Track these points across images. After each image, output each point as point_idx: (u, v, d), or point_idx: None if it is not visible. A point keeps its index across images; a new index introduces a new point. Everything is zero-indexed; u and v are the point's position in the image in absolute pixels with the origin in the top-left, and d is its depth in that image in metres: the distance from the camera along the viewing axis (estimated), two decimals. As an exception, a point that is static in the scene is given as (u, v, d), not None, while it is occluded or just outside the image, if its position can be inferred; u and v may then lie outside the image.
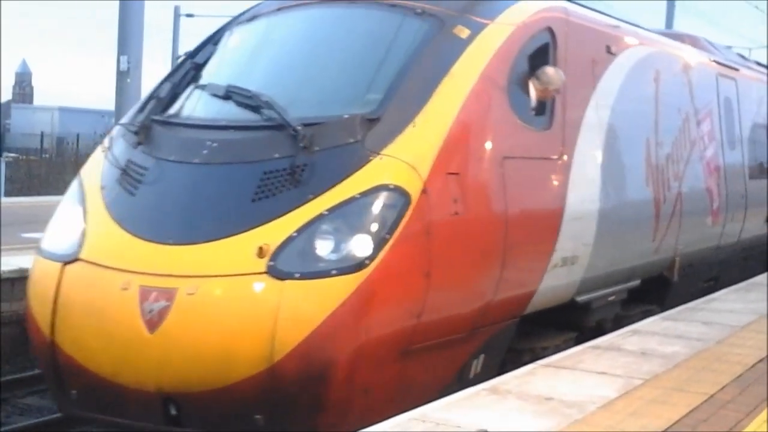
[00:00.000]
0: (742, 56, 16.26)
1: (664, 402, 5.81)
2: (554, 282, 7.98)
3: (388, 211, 6.23)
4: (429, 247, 6.34)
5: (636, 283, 9.90)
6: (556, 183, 8.02)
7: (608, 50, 9.30)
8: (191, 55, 8.19)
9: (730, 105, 13.16)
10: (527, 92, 7.75)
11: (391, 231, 6.15)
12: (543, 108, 8.00)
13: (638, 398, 5.88)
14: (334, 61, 7.57)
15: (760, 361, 7.11)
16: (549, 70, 7.68)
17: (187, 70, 8.00)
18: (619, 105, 9.30)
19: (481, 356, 7.26)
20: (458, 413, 5.44)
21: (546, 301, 8.07)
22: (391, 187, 6.31)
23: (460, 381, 6.96)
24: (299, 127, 6.50)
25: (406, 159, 6.45)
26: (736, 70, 13.93)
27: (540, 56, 7.94)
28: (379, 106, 6.78)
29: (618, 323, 9.32)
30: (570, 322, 8.79)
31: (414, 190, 6.33)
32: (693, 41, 13.10)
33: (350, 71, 7.41)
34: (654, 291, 10.64)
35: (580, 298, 8.65)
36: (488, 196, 7.05)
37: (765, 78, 16.11)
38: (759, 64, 17.03)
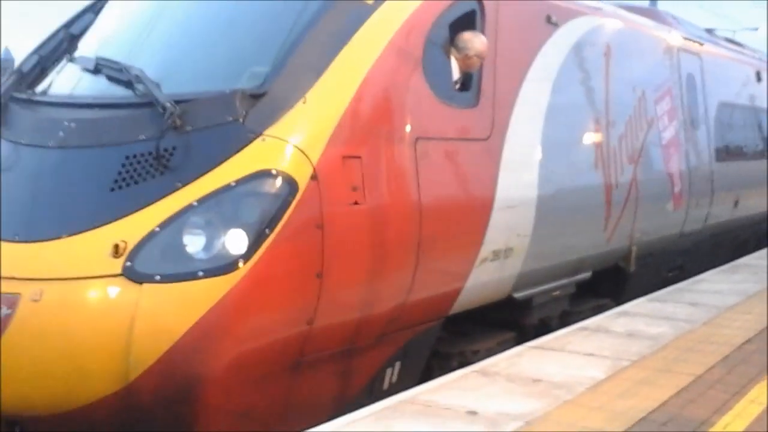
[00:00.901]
0: (710, 32, 15.44)
1: (652, 383, 5.84)
2: (485, 278, 7.11)
3: (269, 202, 5.32)
4: (321, 243, 5.44)
5: (586, 275, 9.05)
6: (483, 167, 7.04)
7: (549, 20, 8.28)
8: (67, 24, 7.13)
9: (694, 82, 12.14)
10: (448, 65, 6.85)
11: (272, 225, 5.25)
12: (468, 83, 7.03)
13: (626, 379, 5.91)
14: (218, 30, 6.65)
15: (747, 341, 7.15)
16: (466, 35, 6.76)
17: (60, 41, 6.95)
18: (562, 80, 8.34)
19: (397, 364, 6.56)
20: (447, 395, 5.47)
21: (476, 300, 7.26)
22: (274, 173, 5.38)
23: (372, 393, 6.27)
24: (168, 104, 5.52)
25: (293, 140, 5.51)
26: (701, 45, 12.85)
27: (464, 24, 6.94)
28: (266, 79, 5.79)
29: (565, 320, 8.56)
30: (510, 321, 8.04)
31: (302, 176, 5.43)
32: (654, 15, 12.25)
33: (235, 41, 6.50)
34: (610, 283, 9.91)
35: (519, 295, 7.78)
36: (396, 182, 6.10)
37: (736, 56, 15.21)
38: (730, 41, 16.16)
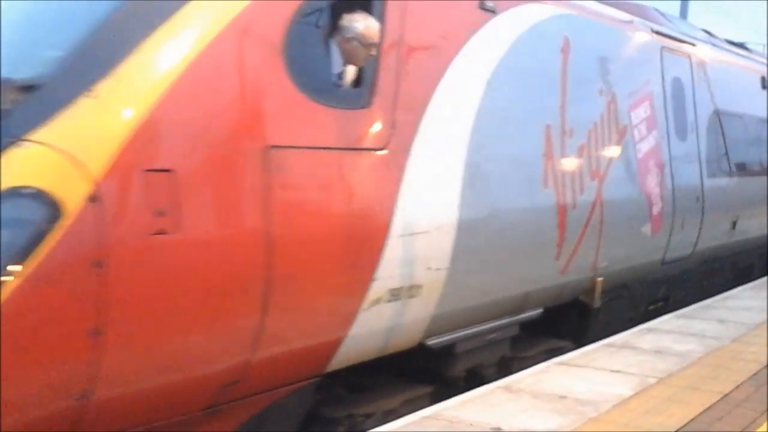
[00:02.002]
0: (709, 33, 13.44)
1: (678, 400, 5.80)
2: (379, 324, 5.76)
3: (18, 232, 3.97)
4: (100, 288, 4.11)
5: (533, 313, 7.68)
6: (374, 184, 5.62)
7: (483, 6, 6.86)
8: None
9: (681, 87, 10.54)
10: (327, 55, 5.63)
11: (20, 262, 3.91)
12: (359, 78, 5.75)
13: (653, 397, 5.87)
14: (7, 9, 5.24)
15: (776, 359, 7.08)
16: (349, 17, 5.61)
17: None
18: (500, 78, 6.90)
19: None
20: (472, 411, 5.45)
21: (368, 351, 5.94)
22: (27, 192, 4.03)
23: None
24: None
25: (64, 146, 4.14)
26: (693, 45, 11.24)
27: (355, 4, 5.73)
28: (46, 66, 4.50)
29: (506, 367, 7.35)
30: (430, 371, 6.79)
31: (72, 196, 4.07)
32: (637, 9, 10.34)
33: (19, 18, 5.21)
34: (571, 321, 8.66)
35: (433, 342, 6.46)
36: (230, 205, 4.75)
37: (738, 60, 13.40)
38: (734, 44, 14.25)
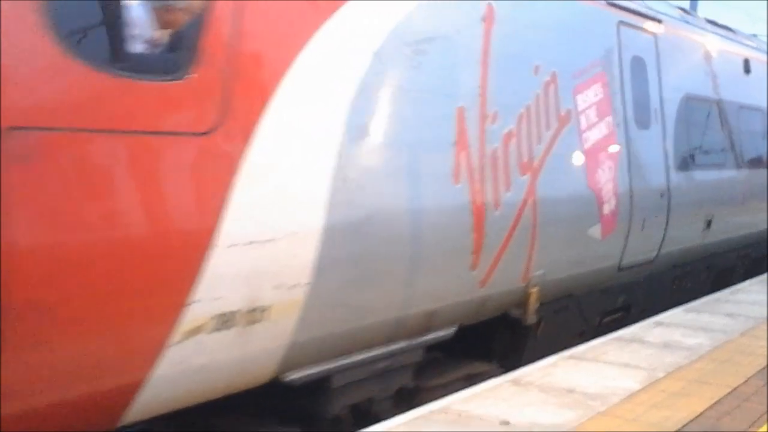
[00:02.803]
0: (685, 11, 11.89)
1: (687, 394, 5.80)
2: (200, 359, 4.59)
3: None
4: None
5: (443, 334, 6.55)
6: (192, 179, 4.44)
7: None
8: None
9: (644, 69, 9.34)
10: (118, 7, 4.26)
11: None
12: (175, 41, 4.61)
13: (661, 390, 5.87)
14: None
15: (786, 353, 7.06)
16: None
17: None
18: (392, 50, 5.72)
19: None
20: (480, 405, 5.47)
21: (186, 395, 4.75)
22: None
23: None
24: None
25: None
26: (659, 22, 9.87)
27: None
28: None
29: (408, 399, 6.30)
30: (302, 410, 5.73)
31: None
32: None
33: None
34: (503, 339, 7.62)
35: (294, 377, 5.29)
36: None
37: (717, 40, 11.99)
38: (715, 24, 12.68)
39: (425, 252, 5.94)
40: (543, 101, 7.33)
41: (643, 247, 9.20)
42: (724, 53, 12.05)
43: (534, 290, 7.34)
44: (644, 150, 9.18)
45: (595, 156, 8.11)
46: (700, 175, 10.70)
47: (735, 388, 5.98)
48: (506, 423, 5.11)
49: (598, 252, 8.32)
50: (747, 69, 12.79)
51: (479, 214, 6.41)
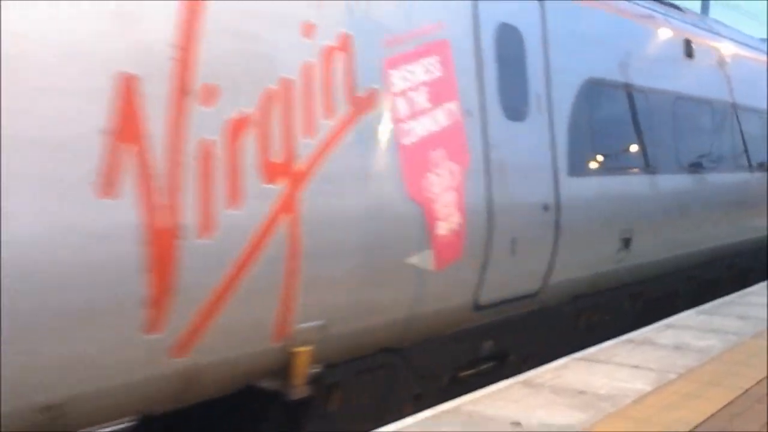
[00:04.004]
0: None
1: (698, 396, 5.76)
2: None
3: None
4: None
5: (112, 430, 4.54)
6: None
7: None
8: None
9: (518, 42, 7.39)
10: None
11: None
12: None
13: (673, 392, 5.84)
14: None
15: (797, 355, 7.02)
16: None
17: None
18: None
19: None
20: (491, 406, 5.45)
21: None
22: None
23: None
24: None
25: None
26: None
27: None
28: None
29: None
30: None
31: None
32: None
33: None
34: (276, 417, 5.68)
35: None
36: None
37: (642, 12, 10.06)
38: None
39: (37, 309, 3.90)
40: (319, 75, 5.34)
41: (516, 278, 7.29)
42: (655, 31, 10.17)
43: (303, 350, 5.34)
44: (516, 148, 7.21)
45: (423, 155, 6.17)
46: (610, 182, 8.69)
47: (746, 390, 5.95)
48: (517, 424, 5.09)
49: (429, 288, 6.28)
50: (689, 52, 10.73)
51: (162, 244, 4.37)
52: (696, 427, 5.15)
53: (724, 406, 5.57)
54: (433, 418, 5.25)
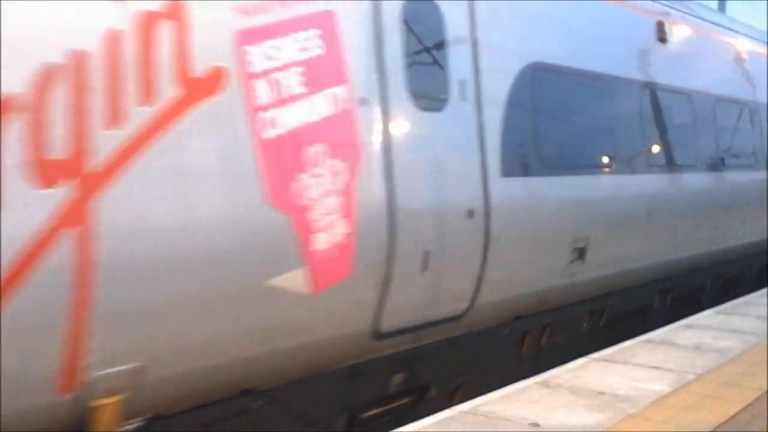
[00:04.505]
0: None
1: (717, 397, 5.73)
2: None
3: None
4: None
5: None
6: None
7: None
8: None
9: (435, 16, 6.34)
10: None
11: None
12: None
13: (691, 393, 5.81)
14: None
15: (816, 355, 6.97)
16: None
17: None
18: None
19: None
20: (509, 406, 5.44)
21: None
22: None
23: None
24: None
25: None
26: None
27: None
28: None
29: None
30: None
31: None
32: None
33: None
34: None
35: None
36: None
37: None
38: None
39: None
40: (131, 48, 4.34)
41: (431, 298, 6.20)
42: (624, 12, 9.13)
43: (108, 402, 4.28)
44: (430, 144, 6.17)
45: (292, 152, 5.12)
46: (559, 184, 7.56)
47: (765, 391, 5.91)
48: (535, 425, 5.07)
49: (303, 315, 5.28)
50: (661, 35, 9.64)
51: None
52: (716, 428, 5.13)
53: (744, 407, 5.53)
54: (451, 418, 5.25)
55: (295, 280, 5.12)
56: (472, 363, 6.96)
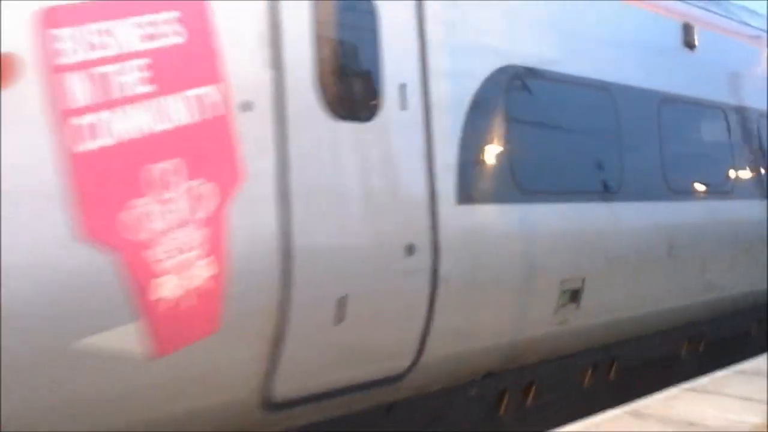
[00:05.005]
0: None
1: (813, 430, 5.62)
2: None
3: None
4: None
5: None
6: None
7: None
8: None
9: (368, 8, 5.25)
10: None
11: None
12: None
13: (786, 426, 5.70)
14: None
15: None
16: None
17: None
18: None
19: None
20: (599, 436, 5.39)
21: None
22: None
23: None
24: None
25: None
26: None
27: None
28: None
29: None
30: None
31: None
32: None
33: None
34: None
35: None
36: None
37: None
38: None
39: None
40: None
41: (353, 355, 5.09)
42: (624, 10, 7.55)
43: None
44: (350, 160, 4.97)
45: (126, 170, 4.01)
46: (540, 212, 6.25)
47: None
48: (625, 454, 5.06)
49: (138, 385, 4.14)
50: (688, 41, 8.18)
51: None
52: (811, 462, 5.04)
53: (840, 440, 5.43)
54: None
55: (123, 339, 3.92)
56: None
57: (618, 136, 7.18)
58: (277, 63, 4.61)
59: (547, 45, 6.59)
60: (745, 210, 8.81)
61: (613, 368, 7.38)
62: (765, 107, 9.42)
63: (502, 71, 6.08)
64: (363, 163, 5.06)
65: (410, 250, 5.22)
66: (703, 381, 6.98)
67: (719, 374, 7.23)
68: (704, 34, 8.37)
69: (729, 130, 8.72)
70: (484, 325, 5.93)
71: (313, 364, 4.86)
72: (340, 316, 4.84)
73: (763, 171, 9.28)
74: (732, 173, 8.78)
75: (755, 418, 5.87)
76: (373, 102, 5.18)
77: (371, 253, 5.02)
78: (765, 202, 9.17)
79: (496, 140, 6.01)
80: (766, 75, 9.58)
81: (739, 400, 6.35)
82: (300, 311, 4.63)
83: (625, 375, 7.44)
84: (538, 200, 6.27)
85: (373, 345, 5.17)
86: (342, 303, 4.83)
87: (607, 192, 6.93)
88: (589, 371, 7.18)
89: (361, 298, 4.93)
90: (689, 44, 8.17)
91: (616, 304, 7.11)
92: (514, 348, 6.25)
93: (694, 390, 6.65)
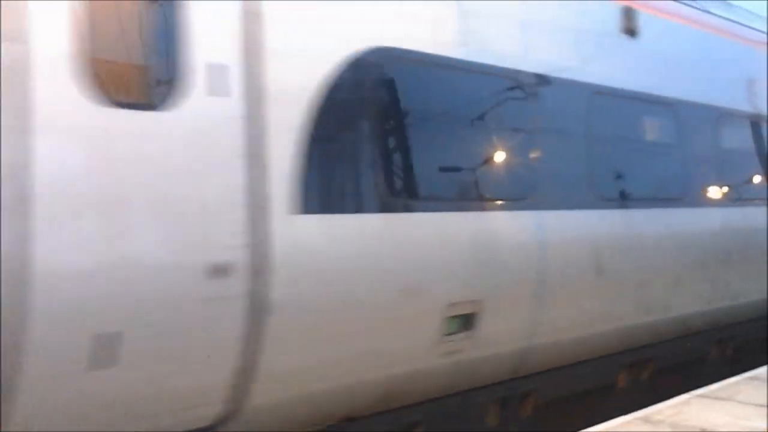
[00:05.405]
0: None
1: (824, 437, 5.60)
2: None
3: None
4: None
5: None
6: None
7: None
8: None
9: None
10: None
11: None
12: None
13: (799, 432, 5.68)
14: None
15: None
16: None
17: None
18: None
19: None
20: (609, 442, 5.37)
21: None
22: None
23: None
24: None
25: None
26: None
27: None
28: None
29: None
30: None
31: None
32: None
33: None
34: None
35: None
36: None
37: None
38: None
39: None
40: None
41: (132, 405, 4.08)
42: None
43: None
44: (127, 158, 3.98)
45: None
46: (416, 222, 5.27)
47: None
48: (635, 460, 5.04)
49: None
50: (628, 27, 7.15)
51: None
52: (822, 469, 5.02)
53: None
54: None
55: None
56: None
57: (532, 132, 6.15)
58: (20, 34, 3.60)
59: (434, 24, 5.48)
60: (699, 219, 7.76)
61: (531, 402, 6.42)
62: (727, 105, 8.33)
63: (368, 54, 5.08)
64: (152, 162, 4.03)
65: (218, 271, 4.22)
66: (716, 387, 6.96)
67: (731, 381, 7.20)
68: (649, 20, 7.35)
69: (679, 129, 7.64)
70: (336, 362, 4.92)
71: (60, 418, 3.79)
72: (99, 358, 3.82)
73: (728, 176, 8.25)
74: (684, 178, 7.72)
75: (766, 424, 5.85)
76: (171, 86, 4.18)
77: (151, 277, 3.98)
78: (726, 210, 8.11)
79: (355, 136, 5.01)
80: (728, 69, 8.48)
81: (751, 407, 6.33)
82: (37, 355, 3.61)
83: (550, 408, 6.59)
84: (416, 208, 5.27)
85: (160, 392, 4.14)
86: (109, 341, 3.85)
87: (512, 199, 5.94)
88: (494, 408, 6.15)
89: (140, 334, 3.96)
90: (630, 31, 7.17)
91: (524, 329, 6.03)
92: (385, 387, 5.27)
93: (706, 396, 6.62)
